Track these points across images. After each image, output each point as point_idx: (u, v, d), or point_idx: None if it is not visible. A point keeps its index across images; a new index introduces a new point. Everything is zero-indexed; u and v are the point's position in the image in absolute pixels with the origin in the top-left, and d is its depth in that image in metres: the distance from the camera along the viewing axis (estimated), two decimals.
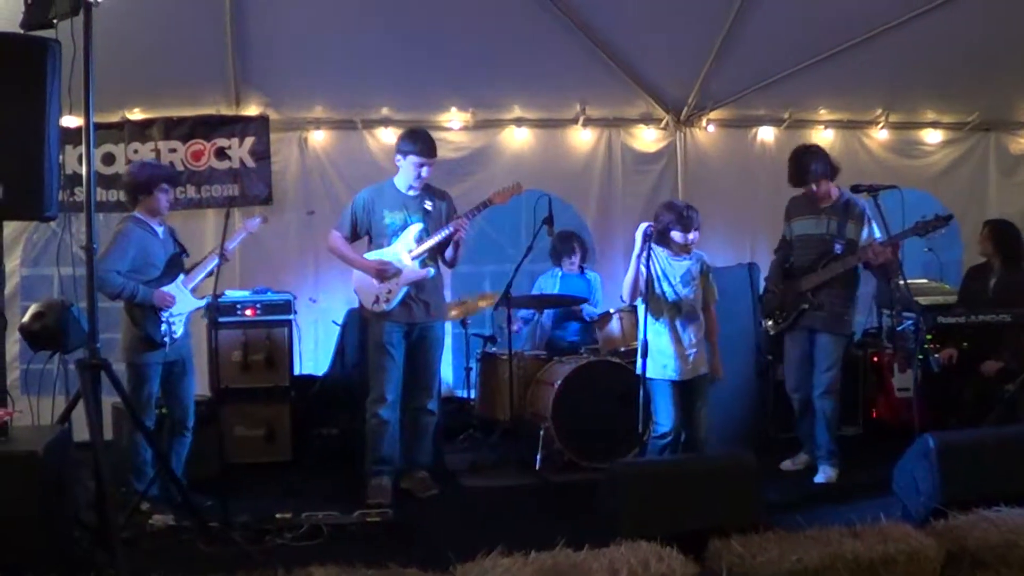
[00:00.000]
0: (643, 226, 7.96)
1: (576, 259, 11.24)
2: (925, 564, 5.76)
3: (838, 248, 8.83)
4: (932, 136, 13.13)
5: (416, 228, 8.60)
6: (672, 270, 8.19)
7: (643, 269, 7.88)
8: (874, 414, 10.70)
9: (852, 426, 10.52)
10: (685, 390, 8.17)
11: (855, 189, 8.58)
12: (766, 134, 12.74)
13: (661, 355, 8.12)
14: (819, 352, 8.98)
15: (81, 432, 6.58)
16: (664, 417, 8.17)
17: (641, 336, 7.90)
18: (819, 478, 8.94)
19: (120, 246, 7.97)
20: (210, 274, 8.32)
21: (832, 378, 8.96)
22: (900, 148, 13.07)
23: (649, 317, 7.99)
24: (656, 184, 12.55)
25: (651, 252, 7.93)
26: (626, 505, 6.17)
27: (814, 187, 8.90)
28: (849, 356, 10.36)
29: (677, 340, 8.13)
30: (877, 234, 8.76)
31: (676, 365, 8.11)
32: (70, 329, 7.27)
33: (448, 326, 10.87)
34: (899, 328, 9.88)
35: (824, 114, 12.68)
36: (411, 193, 8.69)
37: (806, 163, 8.98)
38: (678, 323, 8.14)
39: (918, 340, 9.16)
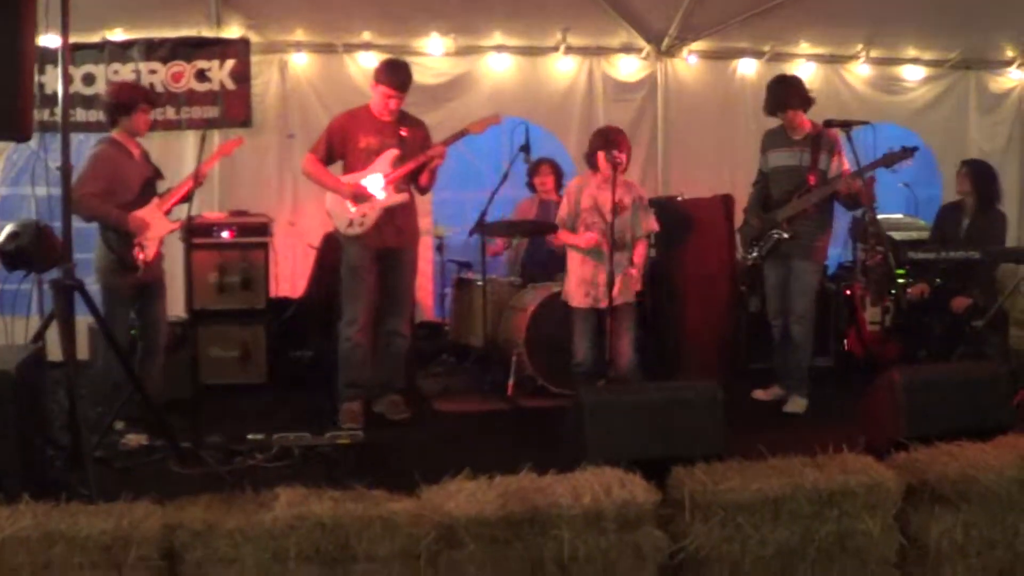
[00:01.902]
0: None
1: (550, 184, 11.28)
2: (885, 496, 5.81)
3: (812, 179, 8.88)
4: (913, 72, 13.16)
5: (392, 153, 8.60)
6: (603, 197, 8.36)
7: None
8: (846, 346, 10.80)
9: (823, 358, 10.61)
10: (606, 319, 8.37)
11: (828, 124, 8.66)
12: (747, 67, 12.77)
13: (583, 283, 8.47)
14: (794, 280, 9.06)
15: (56, 352, 6.63)
16: (579, 345, 8.49)
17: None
18: (789, 407, 9.04)
19: (95, 168, 7.95)
20: (185, 198, 8.33)
21: (805, 305, 9.04)
22: (881, 84, 13.13)
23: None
24: (637, 114, 12.60)
25: None
26: (592, 432, 6.22)
27: (791, 115, 8.95)
28: (822, 289, 10.45)
29: (600, 269, 8.33)
30: (847, 165, 8.84)
31: (596, 293, 8.42)
32: (46, 249, 7.29)
33: (428, 252, 10.97)
34: (871, 262, 9.94)
35: (805, 48, 12.70)
36: (387, 119, 8.69)
37: (781, 92, 9.08)
38: (603, 252, 8.30)
39: (889, 275, 9.24)
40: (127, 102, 8.21)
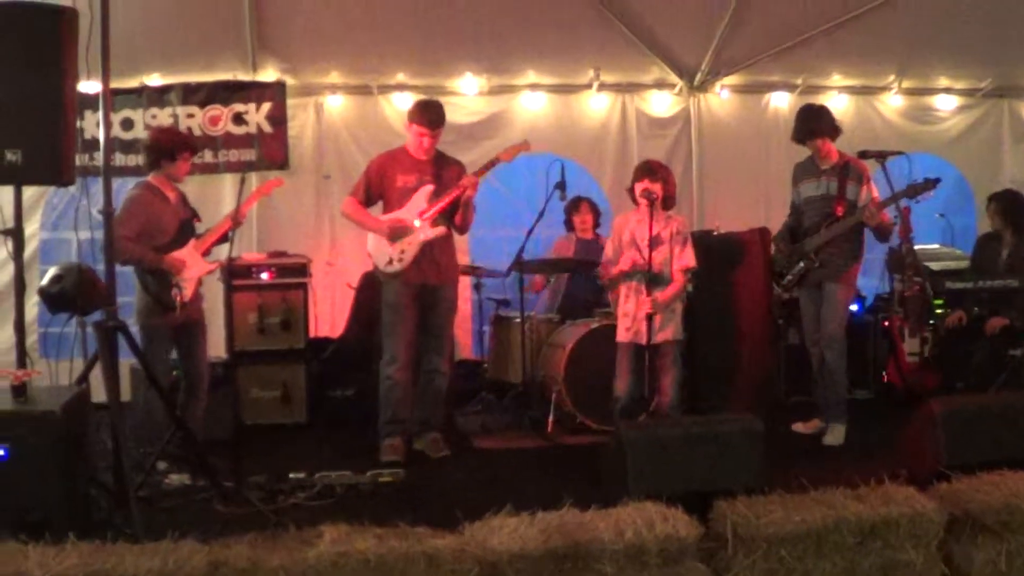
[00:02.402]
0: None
1: (589, 223, 11.35)
2: (927, 527, 5.80)
3: (838, 210, 8.89)
4: (946, 102, 13.15)
5: (428, 190, 8.67)
6: (641, 232, 8.39)
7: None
8: (885, 378, 10.77)
9: (863, 390, 10.61)
10: (650, 356, 8.36)
11: (863, 155, 8.69)
12: (780, 100, 12.77)
13: (625, 317, 8.47)
14: (825, 303, 9.06)
15: (99, 394, 6.69)
16: (619, 380, 8.49)
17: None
18: (828, 438, 9.00)
19: (130, 212, 8.03)
20: (223, 239, 8.39)
21: (835, 328, 9.01)
22: (914, 114, 13.10)
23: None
24: (671, 149, 12.60)
25: None
26: (632, 467, 6.23)
27: (819, 143, 8.97)
28: (860, 320, 10.46)
29: (641, 304, 8.34)
30: (876, 194, 8.84)
31: (637, 328, 8.39)
32: (88, 292, 7.36)
33: (466, 290, 11.02)
34: (909, 293, 9.93)
35: (838, 80, 12.69)
36: (423, 157, 8.77)
37: (808, 120, 9.10)
38: (644, 287, 8.31)
39: (927, 305, 9.22)
40: (170, 147, 8.29)
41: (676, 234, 8.51)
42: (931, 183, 8.62)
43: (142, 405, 8.37)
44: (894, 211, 8.73)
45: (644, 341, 8.31)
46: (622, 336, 8.54)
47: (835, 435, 8.98)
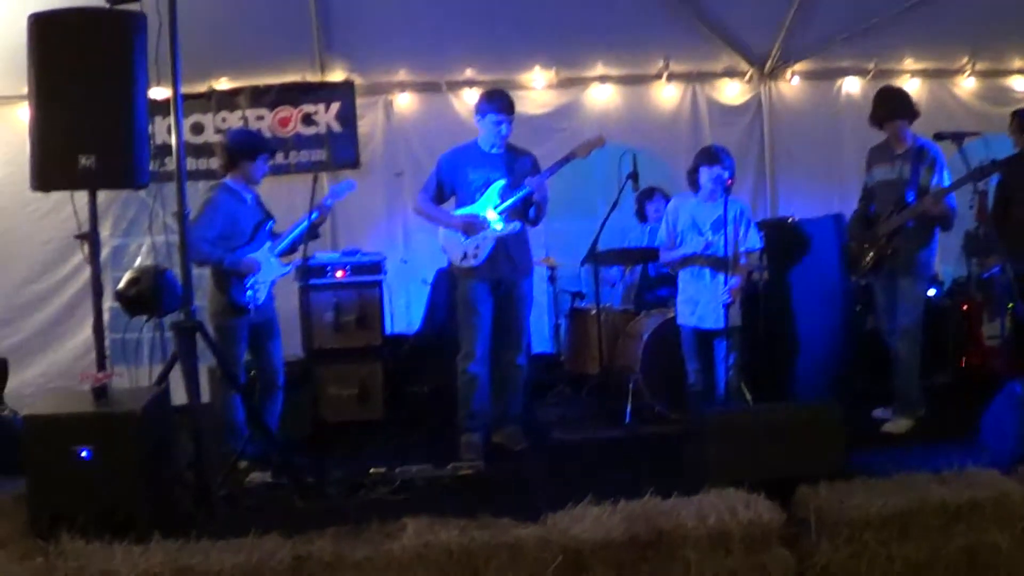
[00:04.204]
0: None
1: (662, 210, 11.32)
2: (1011, 509, 5.77)
3: (910, 195, 8.73)
4: (1021, 83, 12.97)
5: (500, 184, 8.66)
6: (703, 215, 8.51)
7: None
8: (964, 363, 10.62)
9: (942, 374, 10.48)
10: (712, 340, 8.53)
11: (938, 137, 8.54)
12: (851, 85, 12.66)
13: (689, 302, 8.59)
14: (899, 295, 8.92)
15: (177, 397, 6.75)
16: (688, 366, 8.67)
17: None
18: (888, 427, 8.86)
19: (208, 214, 8.07)
20: (298, 240, 8.41)
21: (910, 321, 8.86)
22: (989, 95, 12.90)
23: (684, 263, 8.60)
24: (743, 137, 12.56)
25: None
26: (714, 453, 6.22)
27: (897, 124, 8.87)
28: (939, 305, 10.34)
29: (704, 287, 8.46)
30: (946, 182, 8.70)
31: (701, 312, 8.51)
32: (165, 293, 7.41)
33: (541, 283, 11.00)
34: (986, 276, 9.79)
35: (910, 63, 12.57)
36: (494, 151, 8.75)
37: (885, 102, 9.00)
38: (708, 270, 8.43)
39: (1006, 287, 9.10)
40: (251, 148, 8.34)
41: (740, 215, 8.53)
42: (998, 164, 8.46)
43: (220, 405, 8.42)
44: (970, 194, 8.62)
45: (708, 326, 8.46)
46: (684, 320, 8.67)
47: (898, 425, 8.84)
